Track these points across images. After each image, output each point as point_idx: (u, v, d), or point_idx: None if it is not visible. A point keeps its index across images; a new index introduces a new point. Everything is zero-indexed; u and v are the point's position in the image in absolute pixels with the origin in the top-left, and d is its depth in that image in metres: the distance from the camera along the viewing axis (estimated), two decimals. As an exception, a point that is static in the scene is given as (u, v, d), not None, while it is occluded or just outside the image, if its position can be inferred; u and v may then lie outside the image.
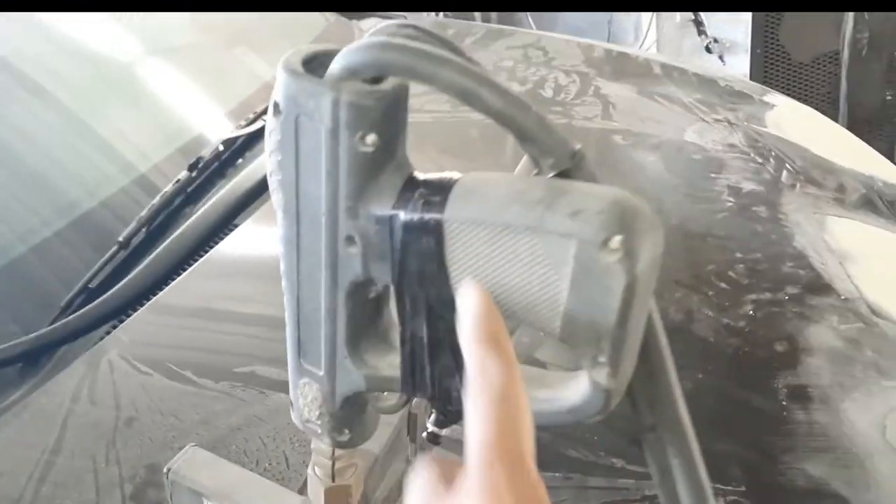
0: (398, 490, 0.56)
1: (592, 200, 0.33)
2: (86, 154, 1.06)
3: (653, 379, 0.38)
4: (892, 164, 1.29)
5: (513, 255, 0.34)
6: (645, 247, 0.33)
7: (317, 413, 0.44)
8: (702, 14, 2.51)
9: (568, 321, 0.34)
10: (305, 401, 0.44)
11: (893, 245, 1.03)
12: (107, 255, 0.91)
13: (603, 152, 1.14)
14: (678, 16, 2.56)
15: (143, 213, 0.96)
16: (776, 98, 1.39)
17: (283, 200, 0.39)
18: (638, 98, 1.30)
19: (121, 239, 0.92)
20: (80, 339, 0.81)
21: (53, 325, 0.81)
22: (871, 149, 1.35)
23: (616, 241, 0.32)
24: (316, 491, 0.49)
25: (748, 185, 1.08)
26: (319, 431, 0.45)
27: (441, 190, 0.35)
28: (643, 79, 1.35)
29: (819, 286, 0.90)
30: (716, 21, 2.54)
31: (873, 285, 0.92)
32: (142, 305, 0.85)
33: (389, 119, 0.36)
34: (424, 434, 0.49)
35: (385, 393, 0.44)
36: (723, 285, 0.89)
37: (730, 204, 1.03)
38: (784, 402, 0.76)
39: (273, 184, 0.39)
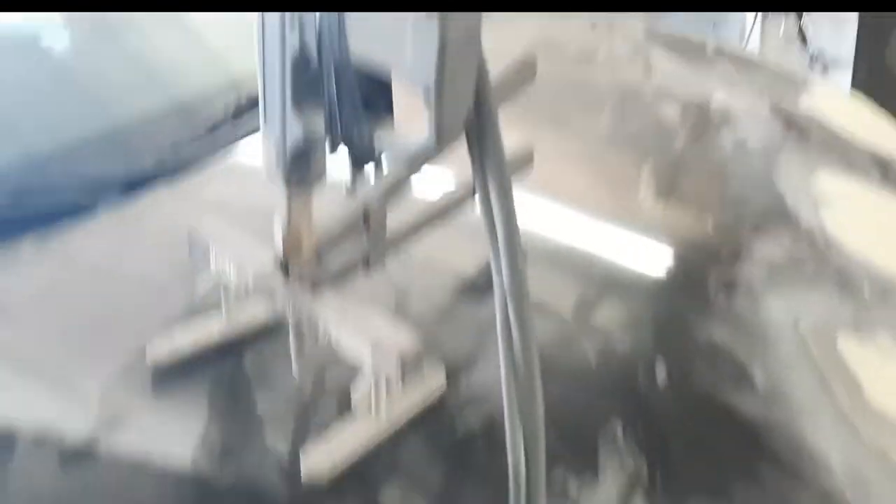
0: (350, 268, 0.74)
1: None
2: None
3: (480, 123, 0.53)
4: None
5: (380, 19, 0.52)
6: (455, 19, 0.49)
7: (275, 163, 0.64)
8: (807, 27, 2.55)
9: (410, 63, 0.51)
10: (268, 154, 0.64)
11: (880, 202, 1.11)
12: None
13: (628, 104, 1.28)
14: (782, 27, 2.61)
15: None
16: (821, 85, 1.47)
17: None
18: (681, 69, 1.42)
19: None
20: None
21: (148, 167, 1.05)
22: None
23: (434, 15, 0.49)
24: (277, 235, 0.68)
25: (754, 143, 1.19)
26: (277, 178, 0.64)
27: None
28: (693, 54, 1.48)
29: (784, 217, 1.01)
30: (821, 34, 2.57)
31: (839, 225, 1.01)
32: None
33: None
34: (354, 197, 0.67)
35: (319, 145, 0.62)
36: (695, 208, 1.02)
37: (730, 153, 1.15)
38: (712, 290, 0.89)
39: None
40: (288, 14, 0.56)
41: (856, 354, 0.84)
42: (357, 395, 0.67)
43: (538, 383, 0.53)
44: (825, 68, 2.56)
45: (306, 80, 0.59)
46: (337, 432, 0.68)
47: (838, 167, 1.16)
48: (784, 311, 0.87)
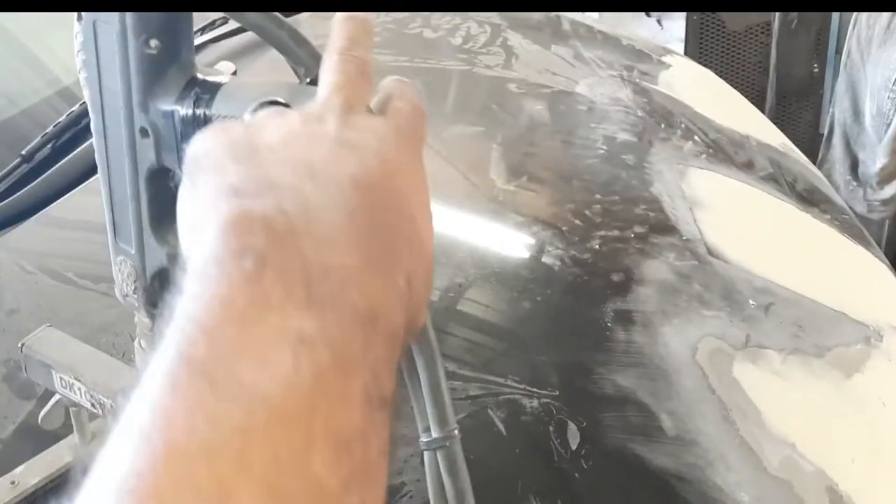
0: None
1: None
2: (11, 65, 1.11)
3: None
4: (770, 125, 1.38)
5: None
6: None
7: (132, 287, 0.52)
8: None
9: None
10: (123, 276, 0.52)
11: (746, 195, 1.12)
12: (9, 167, 0.96)
13: (494, 98, 1.22)
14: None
15: (49, 129, 1.02)
16: (675, 59, 1.47)
17: (90, 95, 0.46)
18: (540, 51, 1.37)
19: (24, 153, 0.98)
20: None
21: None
22: (757, 111, 1.44)
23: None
24: (139, 360, 0.56)
25: (623, 136, 1.16)
26: (136, 305, 0.52)
27: (212, 89, 0.42)
28: (550, 34, 1.43)
29: (664, 227, 0.99)
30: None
31: (716, 229, 1.01)
32: (38, 212, 0.91)
33: (171, 26, 0.43)
34: None
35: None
36: (577, 222, 0.97)
37: (601, 151, 1.12)
38: (609, 324, 0.85)
39: (82, 81, 0.46)
40: (137, 122, 0.44)
41: (750, 378, 0.84)
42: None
43: None
44: (660, 20, 2.61)
45: (168, 195, 0.47)
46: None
47: (704, 158, 1.16)
48: (680, 342, 0.85)
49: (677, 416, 0.78)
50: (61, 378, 0.61)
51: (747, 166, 1.19)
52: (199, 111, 0.42)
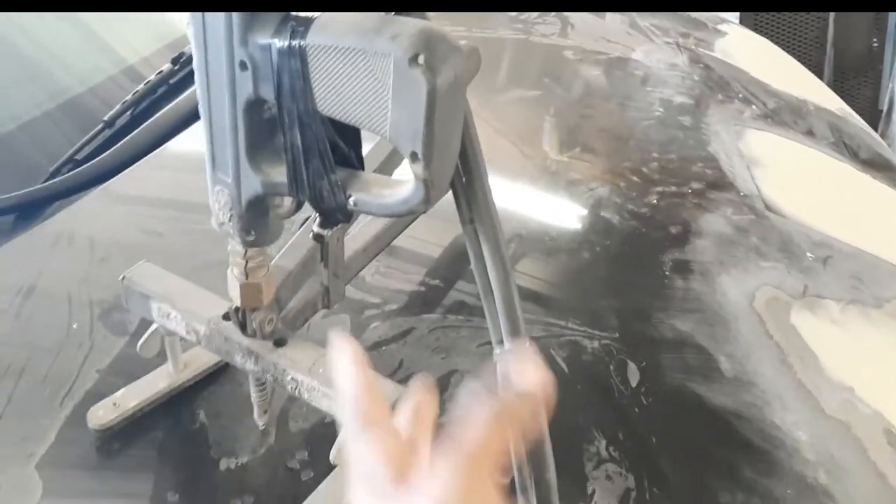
0: (311, 308, 0.69)
1: (408, 27, 0.44)
2: (78, 45, 1.18)
3: (469, 181, 0.49)
4: (828, 91, 1.38)
5: (354, 72, 0.45)
6: (444, 64, 0.43)
7: (228, 216, 0.56)
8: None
9: (393, 124, 0.45)
10: (219, 205, 0.56)
11: (804, 155, 1.13)
12: (93, 132, 1.03)
13: (551, 65, 1.24)
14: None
15: (129, 97, 1.08)
16: (730, 27, 1.48)
17: (193, 32, 0.50)
18: (595, 20, 1.39)
19: (106, 118, 1.04)
20: (68, 198, 0.93)
21: (45, 183, 0.93)
22: (815, 78, 1.44)
23: (421, 57, 0.43)
24: (233, 287, 0.61)
25: (680, 99, 1.18)
26: (231, 232, 0.57)
27: (306, 22, 0.46)
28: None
29: (722, 184, 1.01)
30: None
31: (773, 186, 1.02)
32: (121, 172, 0.96)
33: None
34: (311, 234, 0.61)
35: (280, 200, 0.56)
36: (635, 179, 1.00)
37: (658, 113, 1.14)
38: (667, 273, 0.88)
39: (187, 19, 0.50)
40: (237, 55, 0.48)
41: (809, 326, 0.85)
42: (335, 452, 0.63)
43: (549, 451, 0.51)
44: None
45: (263, 126, 0.51)
46: (317, 492, 0.63)
47: (761, 120, 1.17)
48: (738, 290, 0.87)
49: (735, 358, 0.80)
50: (158, 307, 0.66)
51: (805, 129, 1.20)
52: (295, 42, 0.46)
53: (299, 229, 0.68)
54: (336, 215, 0.52)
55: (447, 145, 0.46)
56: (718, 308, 0.85)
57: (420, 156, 0.45)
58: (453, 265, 0.85)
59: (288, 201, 0.55)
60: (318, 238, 0.59)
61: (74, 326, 0.77)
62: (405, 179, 0.48)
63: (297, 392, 0.61)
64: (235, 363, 0.64)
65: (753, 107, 1.20)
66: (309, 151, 0.50)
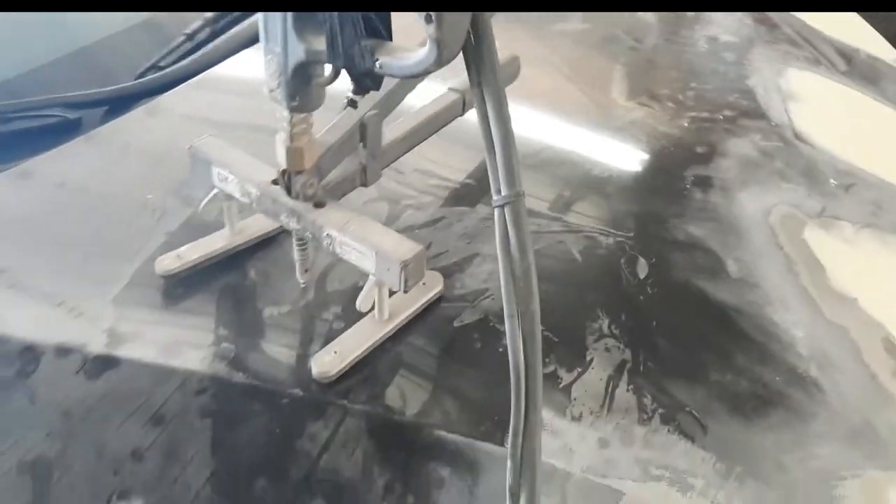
0: (349, 183, 0.78)
1: None
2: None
3: (478, 45, 0.56)
4: (885, 42, 1.38)
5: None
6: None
7: (277, 82, 0.65)
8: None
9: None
10: (270, 73, 0.65)
11: (844, 95, 1.15)
12: (175, 43, 1.14)
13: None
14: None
15: (209, 14, 1.19)
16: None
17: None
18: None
19: (188, 32, 1.16)
20: (151, 96, 1.05)
21: (131, 83, 1.05)
22: (871, 28, 1.44)
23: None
24: (280, 151, 0.70)
25: (726, 37, 1.21)
26: (279, 98, 0.66)
27: None
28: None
29: (755, 113, 1.05)
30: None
31: (807, 119, 1.06)
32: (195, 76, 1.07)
33: None
34: (345, 99, 0.70)
35: (321, 69, 0.65)
36: (669, 104, 1.05)
37: (703, 49, 1.18)
38: (688, 186, 0.93)
39: None
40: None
41: (821, 241, 0.90)
42: (361, 300, 0.72)
43: (535, 284, 0.58)
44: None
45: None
46: (344, 334, 0.73)
47: (806, 61, 1.20)
48: (756, 205, 0.92)
49: (743, 262, 0.85)
50: (218, 172, 0.76)
51: (851, 73, 1.22)
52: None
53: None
54: (366, 80, 0.61)
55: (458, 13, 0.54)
56: (733, 219, 0.90)
57: (433, 17, 0.53)
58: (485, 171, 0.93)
59: (327, 70, 0.64)
60: (352, 104, 0.67)
61: (149, 197, 0.88)
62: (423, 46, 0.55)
63: (330, 247, 0.71)
64: (281, 223, 0.73)
65: (801, 46, 1.22)
66: (344, 22, 0.58)
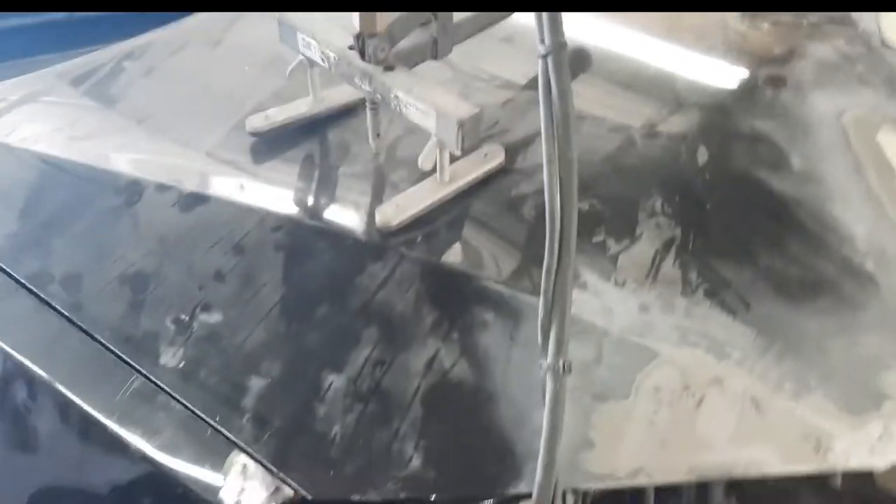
0: (420, 53, 0.82)
1: None
2: None
3: None
4: None
5: None
6: None
7: None
8: None
9: None
10: None
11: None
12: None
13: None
14: None
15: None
16: None
17: None
18: None
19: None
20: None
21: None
22: None
23: None
24: (355, 15, 0.76)
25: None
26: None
27: None
28: None
29: (842, 21, 1.03)
30: None
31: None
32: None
33: None
34: None
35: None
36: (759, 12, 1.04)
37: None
38: (758, 84, 0.93)
39: None
40: None
41: (893, 145, 0.89)
42: (423, 158, 0.77)
43: (573, 131, 0.60)
44: None
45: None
46: (407, 191, 0.78)
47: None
48: (829, 105, 0.91)
49: (807, 157, 0.86)
50: (302, 38, 0.82)
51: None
52: None
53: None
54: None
55: None
56: (803, 116, 0.90)
57: None
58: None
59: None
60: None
61: (246, 69, 0.96)
62: None
63: (398, 108, 0.76)
64: (354, 85, 0.79)
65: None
66: None
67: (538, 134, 0.80)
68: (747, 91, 0.92)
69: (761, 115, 0.89)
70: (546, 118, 0.59)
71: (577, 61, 0.96)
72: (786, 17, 1.03)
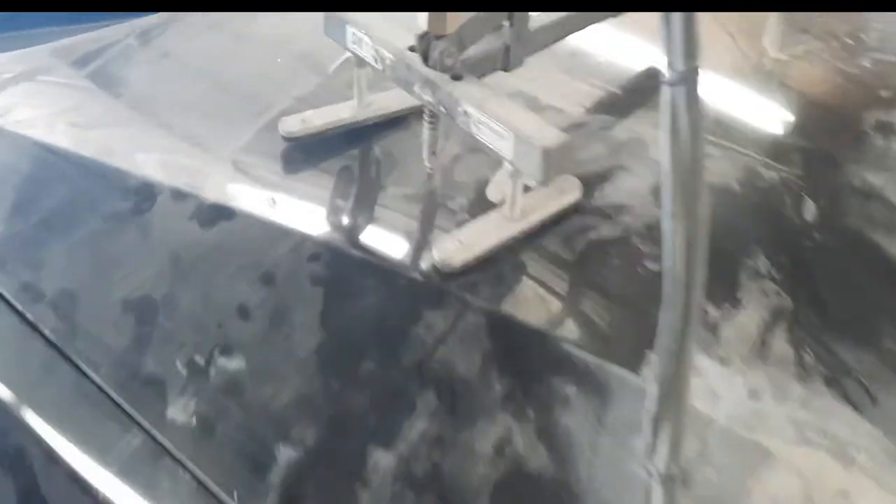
0: (490, 62, 0.69)
1: None
2: None
3: None
4: None
5: None
6: None
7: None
8: None
9: None
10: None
11: None
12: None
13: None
14: None
15: None
16: None
17: None
18: None
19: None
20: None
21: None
22: None
23: None
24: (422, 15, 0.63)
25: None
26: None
27: None
28: None
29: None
30: None
31: None
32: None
33: None
34: None
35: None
36: (849, 41, 0.93)
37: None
38: (867, 130, 0.82)
39: None
40: None
41: None
42: (493, 189, 0.64)
43: (704, 181, 0.49)
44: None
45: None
46: (471, 224, 0.66)
47: None
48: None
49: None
50: (353, 33, 0.69)
51: None
52: None
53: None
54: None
55: None
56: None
57: None
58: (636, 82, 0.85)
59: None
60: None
61: (279, 61, 0.83)
62: None
63: (466, 126, 0.63)
64: (413, 93, 0.66)
65: None
66: None
67: (617, 167, 0.67)
68: (855, 138, 0.81)
69: (873, 168, 0.78)
70: (673, 163, 0.48)
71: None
72: (889, 56, 0.92)
